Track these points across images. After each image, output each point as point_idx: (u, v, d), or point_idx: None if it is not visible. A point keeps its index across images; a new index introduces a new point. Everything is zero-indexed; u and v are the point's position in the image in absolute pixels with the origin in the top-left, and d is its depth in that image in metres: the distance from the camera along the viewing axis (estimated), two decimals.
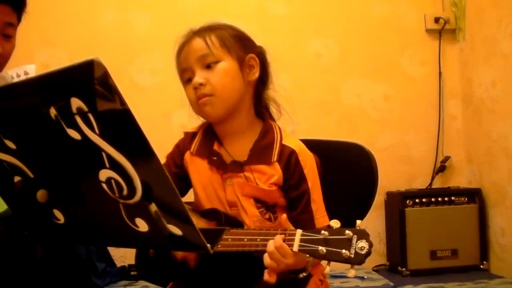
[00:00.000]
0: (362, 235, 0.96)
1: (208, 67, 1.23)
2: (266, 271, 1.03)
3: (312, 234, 0.99)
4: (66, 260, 1.46)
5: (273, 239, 1.03)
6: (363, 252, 0.95)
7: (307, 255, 1.06)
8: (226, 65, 1.23)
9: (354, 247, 0.95)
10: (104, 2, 2.90)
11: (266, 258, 1.03)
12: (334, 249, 0.96)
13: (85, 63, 0.77)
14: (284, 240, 1.01)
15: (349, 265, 0.96)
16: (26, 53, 2.69)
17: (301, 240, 1.00)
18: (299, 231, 1.01)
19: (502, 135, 2.59)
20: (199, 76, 1.22)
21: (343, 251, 0.95)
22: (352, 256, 0.95)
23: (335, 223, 0.99)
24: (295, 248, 1.00)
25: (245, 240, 1.05)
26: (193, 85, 1.23)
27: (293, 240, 1.00)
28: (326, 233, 0.97)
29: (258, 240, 1.04)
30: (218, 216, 1.18)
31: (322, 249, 0.96)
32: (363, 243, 0.95)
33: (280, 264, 1.02)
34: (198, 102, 1.24)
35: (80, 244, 2.14)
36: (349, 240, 0.96)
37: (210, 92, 1.22)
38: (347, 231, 0.96)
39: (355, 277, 2.57)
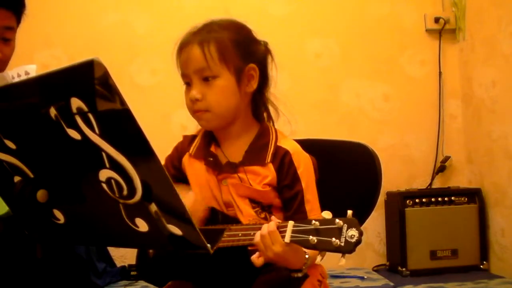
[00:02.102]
0: (352, 223, 0.97)
1: (206, 79, 1.23)
2: (253, 256, 1.04)
3: (303, 225, 1.00)
4: (66, 260, 1.46)
5: None
6: (353, 240, 0.95)
7: (306, 256, 1.06)
8: (223, 82, 1.23)
9: (344, 236, 0.96)
10: (104, 3, 2.90)
11: (257, 237, 1.04)
12: (324, 238, 0.97)
13: (85, 63, 0.77)
14: (278, 227, 1.02)
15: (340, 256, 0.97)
16: (26, 53, 2.68)
17: (293, 231, 1.01)
18: (291, 222, 1.02)
19: (502, 135, 2.59)
20: (196, 91, 1.23)
21: (333, 239, 0.96)
22: (342, 244, 0.96)
23: (327, 214, 1.00)
24: (287, 239, 1.01)
25: (240, 235, 1.06)
26: (190, 98, 1.24)
27: (285, 231, 1.01)
28: (317, 223, 0.98)
29: (252, 234, 1.05)
30: (215, 215, 1.18)
31: (313, 238, 0.97)
32: (353, 232, 0.96)
33: (268, 251, 1.03)
34: (194, 114, 1.26)
35: (80, 244, 2.14)
36: (339, 229, 0.96)
37: (206, 108, 1.23)
38: (337, 220, 0.97)
39: (355, 277, 2.57)
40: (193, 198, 1.24)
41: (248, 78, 1.26)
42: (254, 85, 1.27)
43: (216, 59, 1.22)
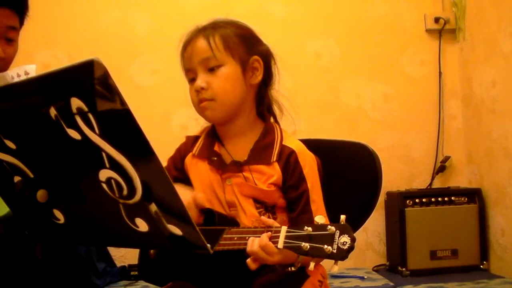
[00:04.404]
0: (345, 230, 0.96)
1: (211, 70, 1.23)
2: (248, 260, 1.04)
3: (297, 231, 1.00)
4: (66, 260, 1.46)
5: (259, 237, 1.03)
6: (345, 247, 0.95)
7: None
8: (229, 70, 1.23)
9: (336, 243, 0.95)
10: (104, 2, 2.90)
11: (249, 260, 1.03)
12: (317, 245, 0.96)
13: (85, 63, 0.77)
14: (270, 238, 1.02)
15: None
16: (26, 53, 2.67)
17: (286, 237, 1.00)
18: (284, 228, 1.02)
19: (502, 135, 2.59)
20: (201, 80, 1.23)
21: (325, 246, 0.95)
22: (335, 251, 0.95)
23: (320, 219, 0.99)
24: (280, 245, 1.00)
25: (235, 238, 1.06)
26: (195, 88, 1.24)
27: (278, 237, 1.01)
28: (310, 229, 0.98)
29: (247, 238, 1.05)
30: (211, 216, 1.18)
31: (305, 245, 0.97)
32: (345, 238, 0.95)
33: (267, 262, 1.03)
34: (200, 105, 1.25)
35: (80, 244, 2.14)
36: (332, 235, 0.96)
37: (211, 96, 1.23)
38: (329, 227, 0.96)
39: (355, 277, 2.57)
40: (190, 196, 1.23)
41: (253, 70, 1.27)
42: (259, 76, 1.27)
43: (221, 48, 1.23)
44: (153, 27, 2.88)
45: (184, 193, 1.23)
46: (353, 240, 0.95)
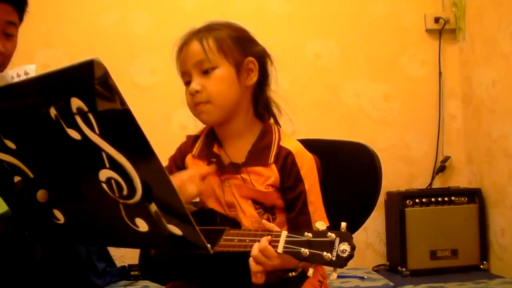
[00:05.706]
0: (345, 237, 0.96)
1: (205, 72, 1.23)
2: (252, 273, 1.04)
3: (297, 236, 0.99)
4: (66, 260, 1.46)
5: (259, 240, 1.03)
6: (345, 255, 0.94)
7: None
8: (223, 72, 1.23)
9: (336, 250, 0.95)
10: (104, 2, 2.90)
11: (252, 263, 1.03)
12: (316, 252, 0.96)
13: (85, 63, 0.77)
14: (270, 242, 1.02)
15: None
16: (26, 53, 2.69)
17: (286, 242, 1.00)
18: (284, 233, 1.02)
19: (502, 135, 2.59)
20: (196, 83, 1.23)
21: (325, 253, 0.95)
22: (334, 259, 0.95)
23: (321, 225, 0.99)
24: (280, 249, 1.00)
25: (236, 240, 1.06)
26: (189, 92, 1.24)
27: (278, 241, 1.01)
28: (310, 235, 0.98)
29: (247, 241, 1.05)
30: (213, 216, 1.18)
31: (305, 251, 0.97)
32: (345, 246, 0.95)
33: (266, 266, 1.03)
34: (195, 108, 1.25)
35: (80, 244, 2.14)
36: (332, 242, 0.96)
37: (206, 99, 1.23)
38: (329, 233, 0.96)
39: (355, 277, 2.57)
40: (187, 176, 1.23)
41: (247, 72, 1.27)
42: (254, 78, 1.27)
43: (214, 51, 1.23)
44: (152, 27, 2.88)
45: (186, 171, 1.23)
46: (353, 248, 0.95)
